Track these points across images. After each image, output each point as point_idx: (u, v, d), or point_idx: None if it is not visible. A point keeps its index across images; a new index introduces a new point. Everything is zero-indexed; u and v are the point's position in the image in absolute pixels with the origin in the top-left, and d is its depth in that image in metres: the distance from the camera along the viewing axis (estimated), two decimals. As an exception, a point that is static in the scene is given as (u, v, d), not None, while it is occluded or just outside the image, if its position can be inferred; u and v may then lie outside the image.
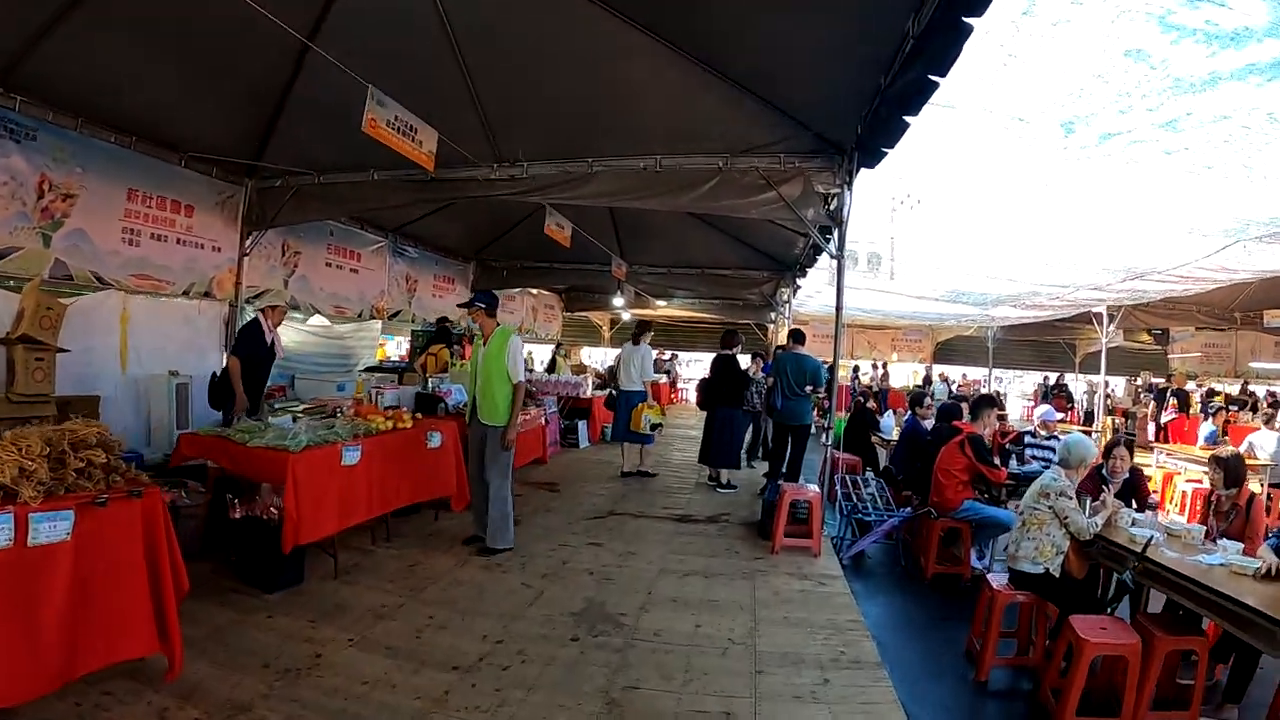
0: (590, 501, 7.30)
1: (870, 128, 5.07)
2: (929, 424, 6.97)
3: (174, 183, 6.42)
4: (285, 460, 4.32)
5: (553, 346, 15.06)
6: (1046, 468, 4.63)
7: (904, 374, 21.77)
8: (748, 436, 9.65)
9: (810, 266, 10.12)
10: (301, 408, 6.02)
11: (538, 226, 8.62)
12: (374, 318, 9.98)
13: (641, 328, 9.12)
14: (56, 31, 4.70)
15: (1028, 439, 7.16)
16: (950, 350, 21.16)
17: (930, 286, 11.28)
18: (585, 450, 10.83)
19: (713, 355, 8.88)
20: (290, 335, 8.47)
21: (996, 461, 5.97)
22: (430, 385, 7.32)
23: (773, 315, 14.10)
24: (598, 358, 17.53)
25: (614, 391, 9.33)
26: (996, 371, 20.13)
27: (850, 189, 6.24)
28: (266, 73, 5.84)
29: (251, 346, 5.86)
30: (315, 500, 4.48)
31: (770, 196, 6.51)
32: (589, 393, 11.38)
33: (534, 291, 15.72)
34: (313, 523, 4.46)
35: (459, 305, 5.78)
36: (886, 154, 5.04)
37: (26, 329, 4.95)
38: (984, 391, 15.56)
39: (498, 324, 5.53)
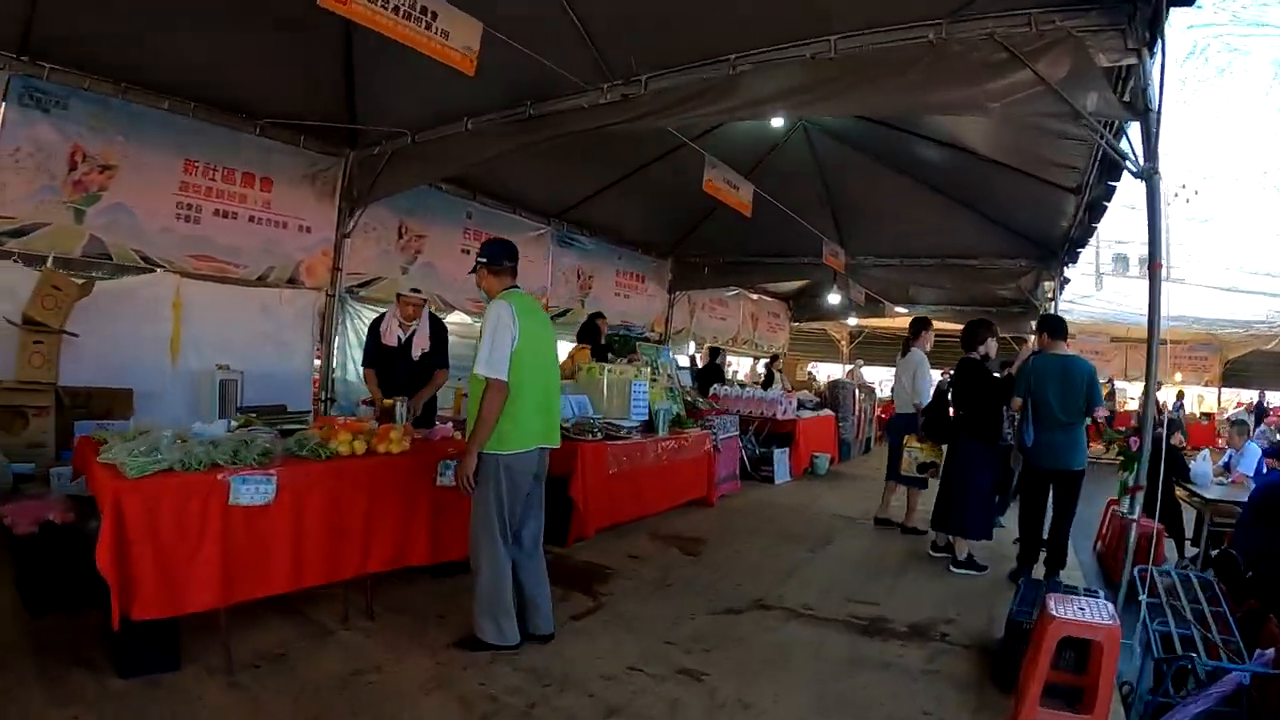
0: (737, 577, 4.87)
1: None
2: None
3: (246, 152, 5.65)
4: (109, 489, 2.86)
5: (768, 359, 12.60)
6: None
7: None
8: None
9: (1087, 237, 7.07)
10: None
11: (737, 212, 6.73)
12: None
13: (917, 328, 6.52)
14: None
15: None
16: (1243, 370, 16.50)
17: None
18: (780, 488, 8.28)
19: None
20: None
21: None
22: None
23: (1032, 324, 10.08)
24: (833, 373, 14.42)
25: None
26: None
27: (1156, 53, 3.47)
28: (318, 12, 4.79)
29: (370, 349, 4.87)
30: (165, 554, 2.93)
31: (1019, 80, 3.76)
32: (791, 413, 8.78)
33: (754, 296, 13.58)
34: (164, 587, 2.91)
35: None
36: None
37: (26, 309, 4.34)
38: None
39: (512, 286, 3.57)
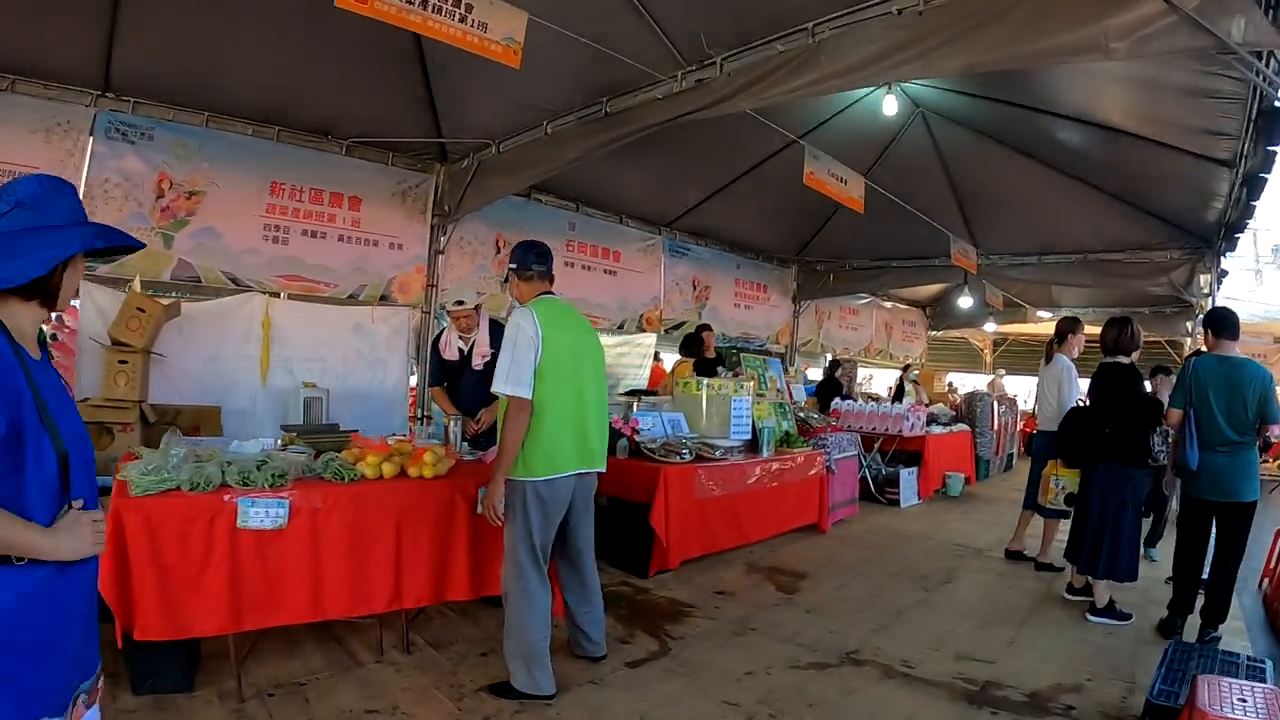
0: (832, 621, 4.16)
1: None
2: None
3: (332, 172, 5.66)
4: (113, 506, 2.70)
5: (900, 370, 11.32)
6: None
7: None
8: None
9: (1245, 219, 5.98)
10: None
11: (860, 215, 6.14)
12: (643, 330, 8.23)
13: (1063, 331, 5.47)
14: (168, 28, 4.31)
15: None
16: None
17: None
18: (905, 512, 7.27)
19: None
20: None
21: None
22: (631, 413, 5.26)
23: (1188, 326, 8.82)
24: (974, 384, 12.72)
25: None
26: None
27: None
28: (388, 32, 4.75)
29: (434, 367, 4.76)
30: (168, 575, 2.77)
31: (1146, 12, 2.92)
32: (920, 429, 7.65)
33: (887, 304, 12.48)
34: (167, 610, 2.75)
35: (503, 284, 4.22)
36: None
37: (112, 330, 4.48)
38: None
39: (545, 293, 3.25)
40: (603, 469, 3.28)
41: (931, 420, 8.46)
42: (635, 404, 5.67)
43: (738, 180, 7.63)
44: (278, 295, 5.46)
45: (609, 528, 4.95)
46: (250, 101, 5.19)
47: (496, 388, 2.96)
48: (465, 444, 4.20)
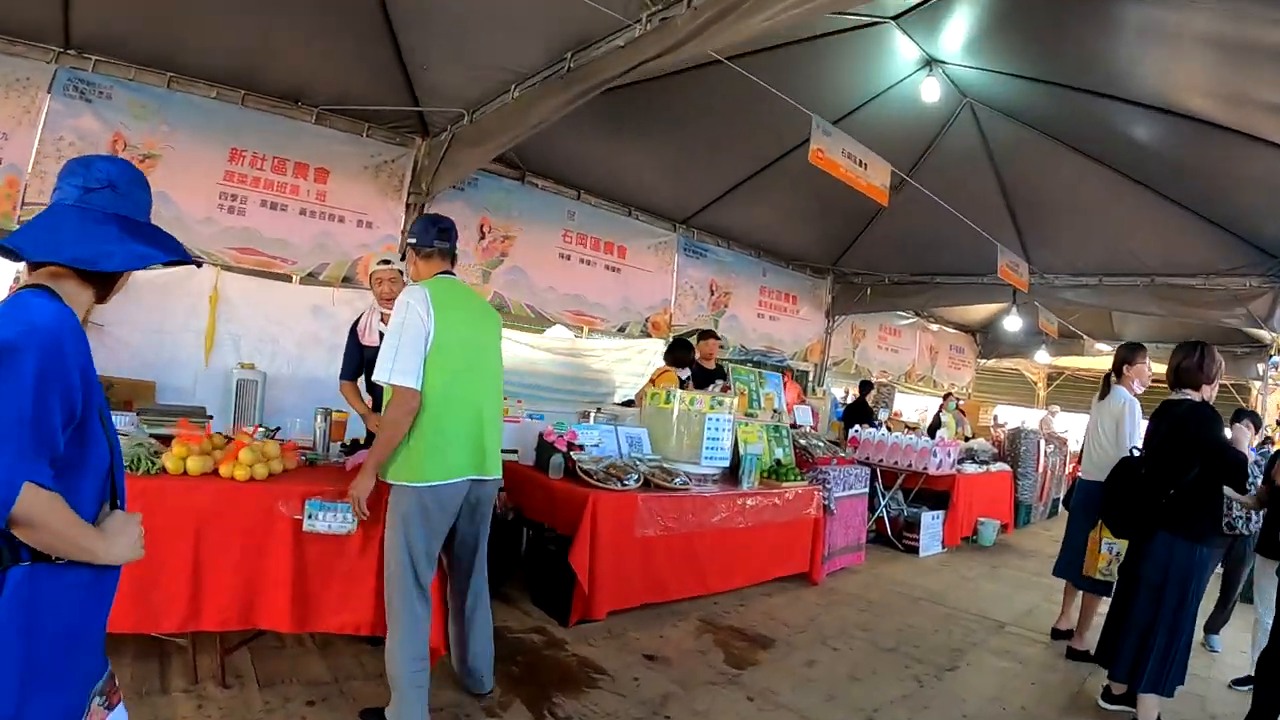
0: (780, 715, 3.33)
1: None
2: None
3: (300, 141, 5.31)
4: None
5: (940, 399, 10.16)
6: None
7: None
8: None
9: None
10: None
11: (902, 220, 5.94)
12: (648, 335, 7.58)
13: (1124, 358, 4.39)
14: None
15: None
16: None
17: None
18: (923, 563, 6.34)
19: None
20: (518, 353, 6.75)
21: None
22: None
23: (1260, 368, 7.98)
24: (1022, 420, 11.34)
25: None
26: None
27: None
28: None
29: (349, 357, 3.97)
30: None
31: None
32: (948, 466, 6.66)
33: (933, 327, 11.40)
34: None
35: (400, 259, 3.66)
36: None
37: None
38: None
39: (447, 273, 2.89)
40: (498, 476, 2.89)
41: (968, 456, 7.47)
42: (593, 414, 5.03)
43: (764, 171, 6.94)
44: (229, 268, 5.15)
45: (535, 560, 4.37)
46: (216, 63, 4.92)
47: (379, 376, 2.60)
48: (341, 445, 3.68)
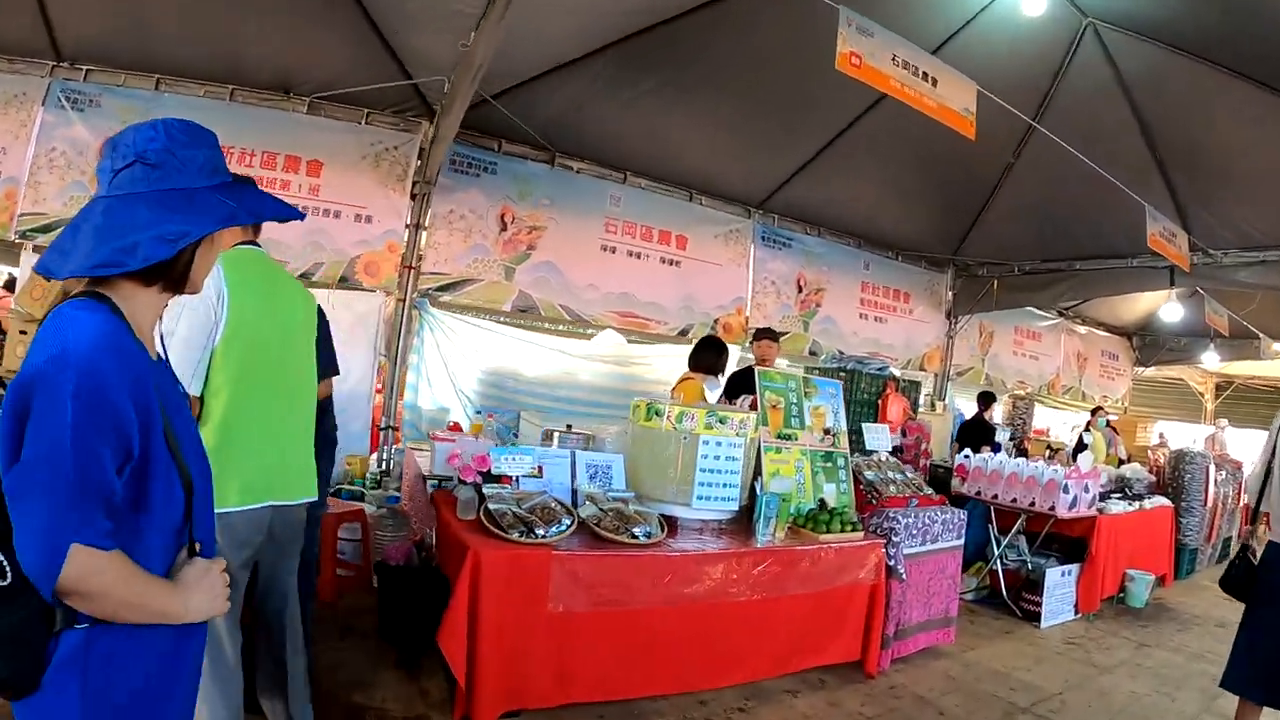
0: None
1: None
2: None
3: (290, 133, 5.03)
4: None
5: (1089, 413, 7.84)
6: None
7: None
8: None
9: None
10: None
11: (1029, 190, 5.02)
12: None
13: None
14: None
15: None
16: None
17: None
18: (1044, 638, 4.71)
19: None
20: (552, 361, 5.97)
21: None
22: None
23: None
24: (1188, 438, 8.48)
25: None
26: None
27: None
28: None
29: None
30: None
31: None
32: (1084, 506, 4.79)
33: (1080, 329, 9.41)
34: None
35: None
36: None
37: (16, 299, 4.28)
38: None
39: (250, 243, 2.31)
40: (313, 496, 2.32)
41: (1116, 488, 5.62)
42: (557, 434, 3.99)
43: (851, 129, 5.55)
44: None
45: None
46: (200, 60, 4.80)
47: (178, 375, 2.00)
48: None
